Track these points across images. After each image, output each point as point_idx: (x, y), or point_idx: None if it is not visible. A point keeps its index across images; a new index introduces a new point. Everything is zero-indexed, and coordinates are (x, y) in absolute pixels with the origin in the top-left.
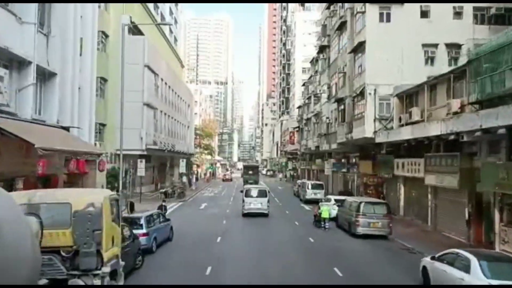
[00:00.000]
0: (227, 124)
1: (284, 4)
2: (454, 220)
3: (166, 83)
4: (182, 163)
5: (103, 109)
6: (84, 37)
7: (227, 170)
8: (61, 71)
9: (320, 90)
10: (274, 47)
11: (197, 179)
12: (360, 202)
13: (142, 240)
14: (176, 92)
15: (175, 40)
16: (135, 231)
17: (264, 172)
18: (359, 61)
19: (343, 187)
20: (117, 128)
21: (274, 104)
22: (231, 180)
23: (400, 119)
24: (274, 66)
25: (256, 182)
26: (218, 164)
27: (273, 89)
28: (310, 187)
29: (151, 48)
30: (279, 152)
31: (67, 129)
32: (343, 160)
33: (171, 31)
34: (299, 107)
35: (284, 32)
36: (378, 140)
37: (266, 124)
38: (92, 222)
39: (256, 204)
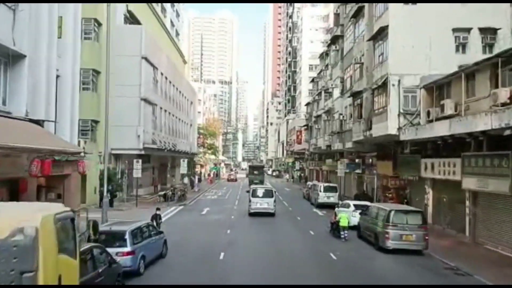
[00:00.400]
0: (231, 123)
1: None
2: (501, 232)
3: (166, 78)
4: (184, 164)
5: (95, 104)
6: (64, 16)
7: (231, 170)
8: (32, 54)
9: (332, 85)
10: (279, 46)
11: (200, 180)
12: (390, 211)
13: (126, 260)
14: (178, 88)
15: (177, 34)
16: (117, 250)
17: (269, 172)
18: (380, 49)
19: (357, 190)
20: (113, 126)
21: (279, 103)
22: (235, 180)
23: (428, 114)
24: (279, 65)
25: (261, 182)
26: (222, 164)
27: (278, 88)
28: (322, 189)
29: (149, 39)
30: (285, 152)
31: (39, 123)
32: (357, 160)
33: (172, 24)
34: (307, 104)
35: (290, 29)
36: (403, 137)
37: (271, 124)
38: (20, 259)
39: (262, 204)
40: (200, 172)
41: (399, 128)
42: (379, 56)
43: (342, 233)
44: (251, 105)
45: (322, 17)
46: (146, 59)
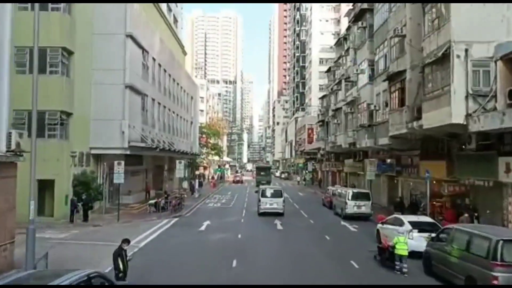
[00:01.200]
0: (236, 124)
1: None
2: None
3: (160, 65)
4: (180, 166)
5: (67, 91)
6: None
7: (237, 172)
8: None
9: (356, 71)
10: (285, 43)
11: (201, 184)
12: (498, 241)
13: None
14: (175, 79)
15: (175, 20)
16: None
17: (277, 174)
18: (434, 11)
19: (388, 196)
20: (94, 119)
21: (286, 102)
22: (242, 182)
23: (510, 94)
24: (285, 63)
25: (268, 183)
26: (227, 166)
27: (285, 86)
28: (350, 197)
29: (137, 15)
30: (293, 152)
31: None
32: (389, 161)
33: (169, 9)
34: (323, 97)
35: (297, 21)
36: (474, 127)
37: (277, 123)
38: None
39: (272, 204)
40: (203, 175)
41: (468, 115)
42: (433, 21)
43: (398, 264)
44: (256, 106)
45: (333, 8)
46: (132, 37)
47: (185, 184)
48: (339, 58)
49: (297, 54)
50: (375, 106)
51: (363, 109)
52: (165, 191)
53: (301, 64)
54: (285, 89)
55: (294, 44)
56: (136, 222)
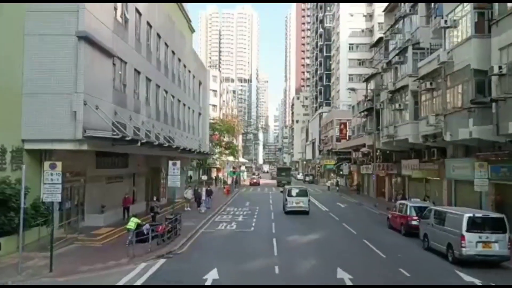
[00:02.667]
0: (251, 123)
1: None
2: None
3: (151, 26)
4: (174, 168)
5: None
6: None
7: (253, 174)
8: None
9: (445, 23)
10: (303, 37)
11: (210, 193)
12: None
13: None
14: (176, 54)
15: None
16: None
17: (300, 177)
18: None
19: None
20: (28, 94)
21: (306, 98)
22: (258, 184)
23: None
24: (303, 58)
25: (288, 183)
26: (242, 168)
27: (303, 83)
28: (470, 224)
29: None
30: (316, 152)
31: None
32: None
33: None
34: (369, 78)
35: (320, 7)
36: None
37: (297, 121)
38: None
39: (298, 202)
40: (216, 178)
41: None
42: None
43: None
44: (271, 106)
45: None
46: None
47: (189, 193)
48: (395, 23)
49: (320, 43)
50: (500, 68)
51: (461, 78)
52: (151, 207)
53: (325, 53)
54: (303, 86)
55: (316, 33)
56: (82, 277)
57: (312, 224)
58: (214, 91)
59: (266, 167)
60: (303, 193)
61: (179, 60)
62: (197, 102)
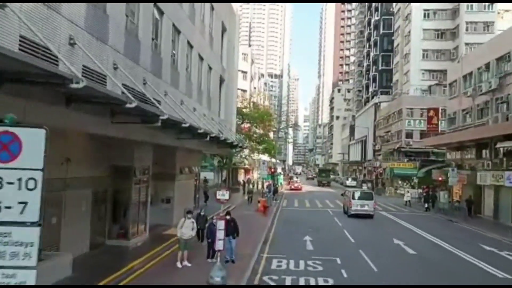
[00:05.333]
0: (282, 120)
1: None
2: None
3: None
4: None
5: None
6: None
7: (291, 178)
8: None
9: None
10: (343, 27)
11: (234, 228)
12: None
13: None
14: None
15: None
16: None
17: (349, 182)
18: None
19: None
20: None
21: (348, 91)
22: (300, 189)
23: None
24: (342, 50)
25: (328, 183)
26: (279, 170)
27: (341, 77)
28: None
29: None
30: (368, 151)
31: None
32: None
33: None
34: None
35: None
36: None
37: (337, 117)
38: None
39: (363, 205)
40: (246, 183)
41: None
42: None
43: None
44: (300, 105)
45: None
46: None
47: (188, 227)
48: None
49: (374, 19)
50: None
51: None
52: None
53: (381, 31)
54: (341, 80)
55: (369, 9)
56: None
57: None
58: (244, 72)
59: (299, 169)
60: (368, 196)
61: None
62: (218, 58)
